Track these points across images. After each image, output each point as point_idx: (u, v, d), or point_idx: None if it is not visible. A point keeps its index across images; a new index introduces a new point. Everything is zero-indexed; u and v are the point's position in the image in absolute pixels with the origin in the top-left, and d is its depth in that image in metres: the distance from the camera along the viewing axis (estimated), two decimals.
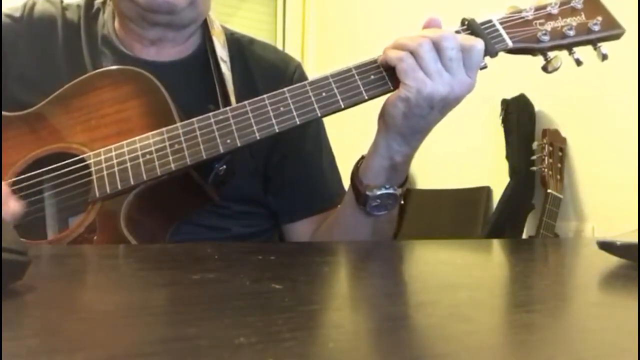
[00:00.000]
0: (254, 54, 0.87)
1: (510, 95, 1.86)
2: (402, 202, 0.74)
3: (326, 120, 0.77)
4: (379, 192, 0.71)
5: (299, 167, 0.86)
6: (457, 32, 0.69)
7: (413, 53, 0.64)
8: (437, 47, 0.64)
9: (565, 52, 0.71)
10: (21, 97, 0.76)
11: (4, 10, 0.84)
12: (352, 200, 0.74)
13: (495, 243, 0.93)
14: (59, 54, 0.81)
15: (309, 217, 0.85)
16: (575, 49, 0.71)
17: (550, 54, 0.70)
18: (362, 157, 0.74)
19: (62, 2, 0.86)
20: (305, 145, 0.87)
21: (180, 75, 0.80)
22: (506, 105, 1.86)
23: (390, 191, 0.71)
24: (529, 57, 0.72)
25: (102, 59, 0.81)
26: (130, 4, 0.76)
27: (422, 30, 0.67)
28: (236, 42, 0.88)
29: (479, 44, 0.65)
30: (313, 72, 2.85)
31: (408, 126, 0.67)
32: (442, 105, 0.65)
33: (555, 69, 0.70)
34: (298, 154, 0.86)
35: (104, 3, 0.86)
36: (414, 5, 2.33)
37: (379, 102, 0.69)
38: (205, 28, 0.84)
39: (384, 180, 0.71)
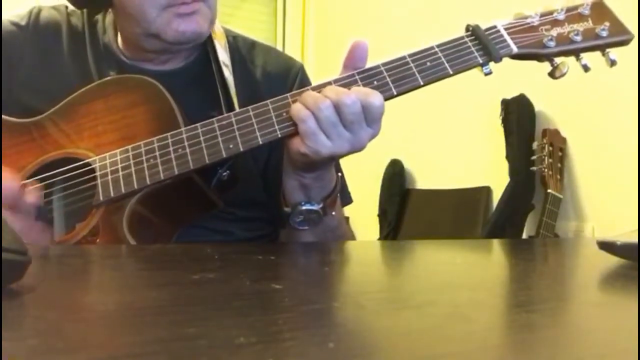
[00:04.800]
0: (256, 57, 0.87)
1: (510, 95, 1.86)
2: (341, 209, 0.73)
3: None
4: (296, 209, 0.70)
5: None
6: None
7: (314, 115, 0.62)
8: (337, 110, 0.62)
9: (572, 58, 0.70)
10: (28, 102, 0.77)
11: (10, 17, 0.85)
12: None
13: (495, 243, 0.93)
14: (64, 60, 0.82)
15: None
16: (582, 54, 0.70)
17: (557, 60, 0.70)
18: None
19: (67, 8, 0.87)
20: None
21: (183, 83, 0.80)
22: (506, 105, 1.86)
23: (308, 207, 0.70)
24: None
25: (106, 66, 0.81)
26: (156, 40, 0.77)
27: (325, 89, 0.64)
28: (238, 45, 0.88)
29: (377, 100, 0.63)
30: (313, 72, 2.85)
31: (312, 167, 0.67)
32: (347, 154, 0.65)
33: (563, 75, 0.69)
34: None
35: (104, 11, 0.87)
36: (413, 6, 2.33)
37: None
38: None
39: (302, 197, 0.70)
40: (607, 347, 0.25)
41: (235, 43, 0.88)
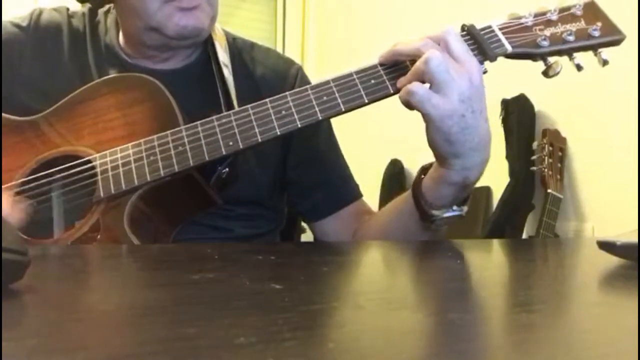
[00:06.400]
0: (255, 58, 0.88)
1: (510, 95, 1.86)
2: None
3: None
4: (446, 215, 0.70)
5: (317, 167, 0.87)
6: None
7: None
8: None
9: (565, 58, 0.71)
10: (28, 103, 0.77)
11: (11, 19, 0.85)
12: (414, 215, 0.72)
13: (495, 243, 0.93)
14: (65, 62, 0.82)
15: (335, 212, 0.87)
16: (575, 54, 0.71)
17: (550, 59, 0.71)
18: (423, 171, 0.72)
19: (68, 10, 0.87)
20: (320, 145, 0.88)
21: (183, 83, 0.80)
22: (506, 105, 1.86)
23: (457, 213, 0.70)
24: None
25: (107, 67, 0.82)
26: (156, 35, 0.77)
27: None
28: (238, 47, 0.89)
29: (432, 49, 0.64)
30: (313, 72, 2.85)
31: (457, 145, 0.65)
32: (468, 104, 0.63)
33: (556, 74, 0.70)
34: (314, 155, 0.87)
35: (106, 12, 0.87)
36: (414, 6, 2.33)
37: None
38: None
39: (452, 201, 0.70)
40: (607, 347, 0.25)
41: (235, 44, 0.89)
